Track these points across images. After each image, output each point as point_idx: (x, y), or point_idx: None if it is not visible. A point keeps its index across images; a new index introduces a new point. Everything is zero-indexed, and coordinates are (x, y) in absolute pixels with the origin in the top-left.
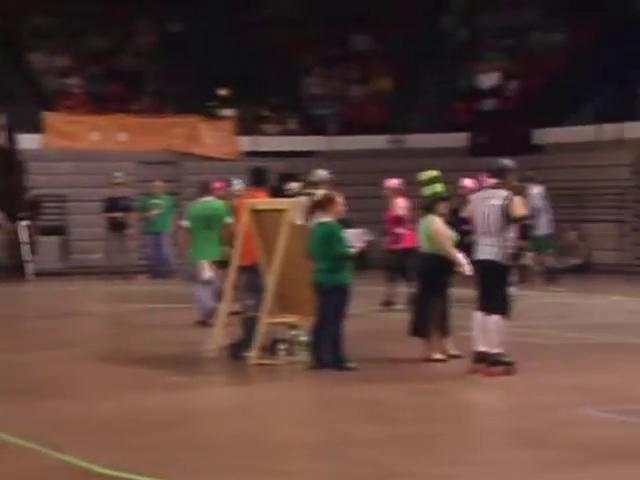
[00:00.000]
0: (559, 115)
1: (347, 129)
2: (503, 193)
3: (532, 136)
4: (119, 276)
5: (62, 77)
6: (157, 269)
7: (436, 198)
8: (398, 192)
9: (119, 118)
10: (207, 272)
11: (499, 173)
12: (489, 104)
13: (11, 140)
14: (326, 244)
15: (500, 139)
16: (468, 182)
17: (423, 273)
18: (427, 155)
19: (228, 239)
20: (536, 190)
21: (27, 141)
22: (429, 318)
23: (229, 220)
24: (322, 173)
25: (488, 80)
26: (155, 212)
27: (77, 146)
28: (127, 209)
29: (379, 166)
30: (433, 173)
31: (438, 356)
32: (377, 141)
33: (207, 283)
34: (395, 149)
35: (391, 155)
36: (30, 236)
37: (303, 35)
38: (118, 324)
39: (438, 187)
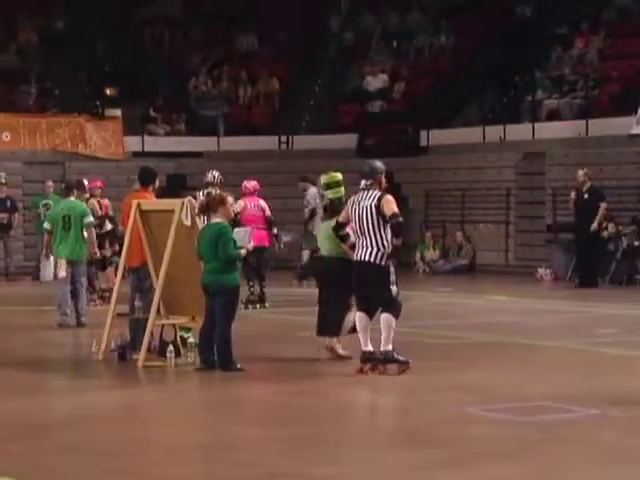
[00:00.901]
0: (445, 117)
1: (235, 130)
2: (376, 193)
3: (418, 138)
4: (2, 278)
5: None
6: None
7: (341, 202)
8: (256, 193)
9: (2, 117)
10: (62, 271)
11: (370, 174)
12: (376, 106)
13: None
14: (215, 245)
15: (387, 140)
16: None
17: (329, 276)
18: (316, 156)
19: (90, 239)
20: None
21: None
22: (338, 318)
23: (89, 219)
24: (214, 174)
25: (375, 82)
26: (47, 212)
27: None
28: (11, 210)
29: (268, 167)
30: (338, 176)
31: (343, 352)
32: (265, 142)
33: (62, 282)
34: (283, 150)
35: (279, 156)
36: None
37: (189, 35)
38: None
39: (342, 191)
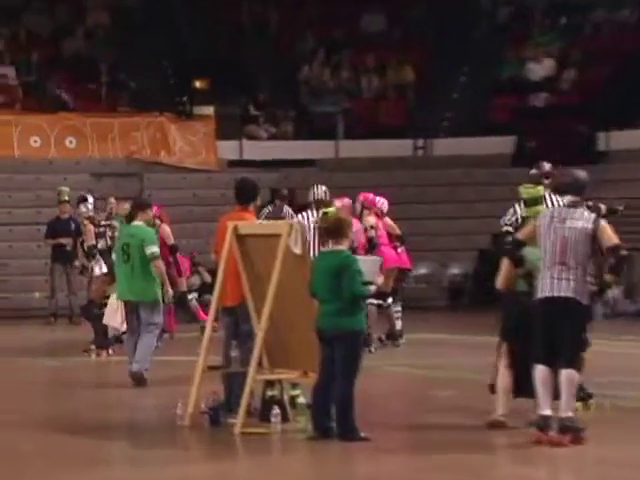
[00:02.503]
0: (629, 114)
1: (358, 132)
2: (588, 215)
3: (595, 140)
4: (65, 320)
5: None
6: None
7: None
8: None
9: (65, 118)
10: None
11: (577, 188)
12: (540, 99)
13: None
14: (335, 279)
15: (553, 144)
16: None
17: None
18: (460, 164)
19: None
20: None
21: None
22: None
23: (154, 249)
24: (323, 189)
25: (538, 69)
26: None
27: (12, 154)
28: (75, 234)
29: (398, 178)
30: (539, 191)
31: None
32: (396, 147)
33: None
34: (419, 157)
35: (414, 165)
36: None
37: (300, 13)
38: (61, 381)
39: (541, 208)
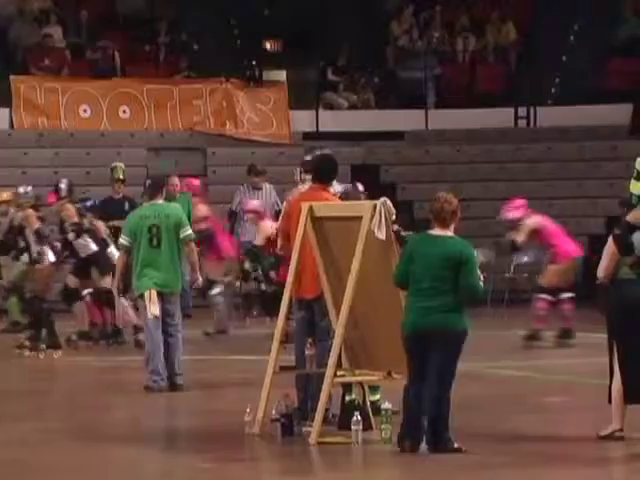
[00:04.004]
0: None
1: (452, 100)
2: None
3: None
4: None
5: (37, 26)
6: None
7: None
8: None
9: (119, 84)
10: (152, 309)
11: None
12: None
13: None
14: (449, 270)
15: None
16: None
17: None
18: (570, 137)
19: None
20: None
21: None
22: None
23: (190, 231)
24: None
25: None
26: None
27: (58, 125)
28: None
29: (500, 153)
30: None
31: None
32: (496, 117)
33: (152, 325)
34: (522, 129)
35: (516, 137)
36: None
37: None
38: (116, 386)
39: None
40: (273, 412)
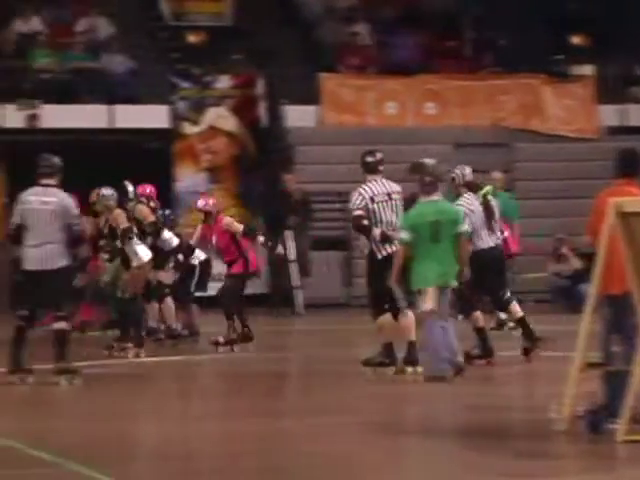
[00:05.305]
0: None
1: None
2: None
3: None
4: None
5: (344, 24)
6: None
7: None
8: None
9: (425, 81)
10: (428, 303)
11: None
12: None
13: (274, 115)
14: None
15: None
16: None
17: None
18: None
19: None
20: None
21: (296, 116)
22: None
23: (463, 228)
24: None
25: None
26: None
27: (365, 122)
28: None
29: None
30: None
31: None
32: None
33: (431, 319)
34: None
35: None
36: (299, 252)
37: None
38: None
39: None
40: (579, 409)
